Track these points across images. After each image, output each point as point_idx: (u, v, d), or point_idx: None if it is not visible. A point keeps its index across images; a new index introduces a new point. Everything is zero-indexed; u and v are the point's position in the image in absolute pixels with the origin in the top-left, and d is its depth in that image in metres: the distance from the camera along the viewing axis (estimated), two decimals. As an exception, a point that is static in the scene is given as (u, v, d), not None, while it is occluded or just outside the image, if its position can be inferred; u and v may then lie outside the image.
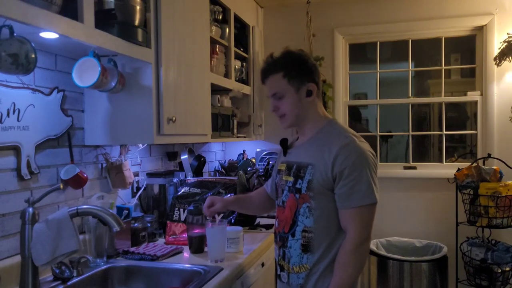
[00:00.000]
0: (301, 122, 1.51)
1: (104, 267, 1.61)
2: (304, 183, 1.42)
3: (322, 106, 1.55)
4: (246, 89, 2.87)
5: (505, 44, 2.74)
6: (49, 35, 1.27)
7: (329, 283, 1.38)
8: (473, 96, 3.05)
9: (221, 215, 1.95)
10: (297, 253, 1.44)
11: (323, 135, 1.46)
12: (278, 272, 1.54)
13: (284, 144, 1.60)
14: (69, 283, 1.43)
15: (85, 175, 1.69)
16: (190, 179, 2.24)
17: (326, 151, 1.39)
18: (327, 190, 1.39)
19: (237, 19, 2.79)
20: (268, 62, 1.49)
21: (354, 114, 3.39)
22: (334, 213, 1.40)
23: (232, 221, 2.03)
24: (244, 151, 3.29)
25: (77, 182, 1.66)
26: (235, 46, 2.71)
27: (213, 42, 2.36)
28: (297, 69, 1.46)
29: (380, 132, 3.31)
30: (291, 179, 1.47)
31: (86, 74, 1.50)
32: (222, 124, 2.45)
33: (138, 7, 1.56)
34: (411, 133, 3.24)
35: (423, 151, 3.82)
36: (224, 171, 3.05)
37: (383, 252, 2.89)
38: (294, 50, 1.50)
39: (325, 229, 1.40)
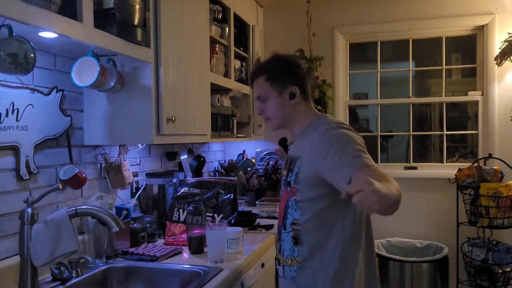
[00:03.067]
0: (288, 124, 1.52)
1: (103, 267, 1.60)
2: (293, 176, 1.44)
3: (312, 106, 1.56)
4: (246, 89, 2.86)
5: (506, 43, 2.73)
6: (48, 34, 1.26)
7: (325, 281, 1.38)
8: (474, 96, 3.04)
9: (221, 215, 1.95)
10: (289, 246, 1.46)
11: (310, 129, 1.47)
12: (277, 267, 1.56)
13: (284, 143, 1.62)
14: (68, 283, 1.43)
15: (84, 175, 1.68)
16: (190, 179, 2.24)
17: (310, 142, 1.41)
18: (313, 182, 1.37)
19: (237, 18, 2.79)
20: (255, 66, 1.55)
21: (351, 114, 3.39)
22: (320, 206, 1.39)
23: (232, 221, 2.02)
24: (244, 151, 3.29)
25: (76, 182, 1.65)
26: (235, 45, 2.70)
27: (212, 41, 2.36)
28: (280, 72, 1.48)
29: (380, 132, 3.30)
30: (285, 172, 1.51)
31: (85, 73, 1.50)
32: (222, 124, 2.45)
33: (137, 7, 1.56)
34: (411, 133, 3.23)
35: (424, 151, 3.81)
36: (223, 171, 3.05)
37: (383, 252, 2.88)
38: (281, 54, 1.54)
39: (313, 222, 1.40)
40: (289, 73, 1.49)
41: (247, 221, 2.27)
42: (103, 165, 1.90)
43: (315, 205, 1.39)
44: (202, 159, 2.53)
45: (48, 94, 1.58)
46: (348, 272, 1.39)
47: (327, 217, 1.39)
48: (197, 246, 1.78)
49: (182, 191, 2.12)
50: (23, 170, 1.47)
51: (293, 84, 1.47)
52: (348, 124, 1.48)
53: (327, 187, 1.34)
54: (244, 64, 2.90)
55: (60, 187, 1.50)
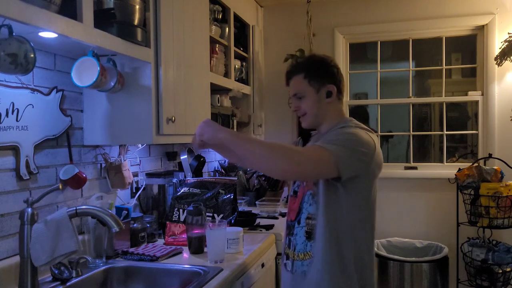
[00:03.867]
0: (320, 122, 1.55)
1: (103, 267, 1.60)
2: None
3: (343, 108, 1.60)
4: (246, 89, 2.86)
5: (506, 43, 2.74)
6: (48, 34, 1.26)
7: (335, 276, 1.39)
8: (474, 96, 3.04)
9: (221, 215, 1.95)
10: (301, 240, 1.47)
11: (332, 130, 1.49)
12: (284, 261, 1.56)
13: (307, 135, 1.66)
14: (68, 283, 1.42)
15: (84, 175, 1.68)
16: (190, 179, 2.24)
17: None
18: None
19: (237, 18, 2.79)
20: (292, 65, 1.58)
21: (362, 114, 3.41)
22: (336, 201, 1.40)
23: (232, 221, 2.02)
24: (244, 151, 3.28)
25: (76, 182, 1.65)
26: (235, 45, 2.70)
27: (212, 41, 2.36)
28: (318, 71, 1.52)
29: (380, 132, 3.31)
30: None
31: (85, 73, 1.50)
32: (222, 124, 2.45)
33: (137, 7, 1.56)
34: (411, 133, 3.23)
35: (424, 151, 3.81)
36: (223, 171, 3.05)
37: (383, 252, 2.88)
38: (318, 54, 1.61)
39: (328, 216, 1.41)
40: (326, 72, 1.52)
41: (247, 221, 2.27)
42: (103, 165, 1.89)
43: (331, 199, 1.41)
44: (202, 159, 2.53)
45: (48, 94, 1.58)
46: (356, 269, 1.42)
47: (340, 213, 1.41)
48: (197, 246, 1.78)
49: (182, 191, 2.12)
50: (23, 170, 1.47)
51: (330, 82, 1.51)
52: (371, 129, 1.49)
53: (340, 183, 1.37)
54: (244, 64, 2.90)
55: (60, 187, 1.50)
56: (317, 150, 1.33)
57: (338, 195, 1.40)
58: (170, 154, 2.48)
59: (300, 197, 1.50)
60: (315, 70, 1.51)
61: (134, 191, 2.12)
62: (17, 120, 1.44)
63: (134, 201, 2.10)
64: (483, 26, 2.95)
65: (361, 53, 3.55)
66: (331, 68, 1.53)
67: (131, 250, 1.73)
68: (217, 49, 2.43)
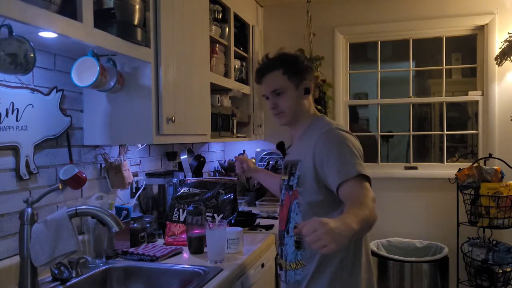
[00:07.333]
0: (296, 120, 1.52)
1: (103, 267, 1.60)
2: (295, 179, 1.45)
3: (313, 105, 1.58)
4: (246, 89, 2.86)
5: (506, 43, 2.73)
6: (48, 34, 1.26)
7: (328, 282, 1.38)
8: (474, 96, 3.04)
9: (221, 215, 1.95)
10: (291, 250, 1.46)
11: (310, 131, 1.48)
12: (278, 272, 1.56)
13: (281, 147, 1.62)
14: (68, 283, 1.43)
15: (84, 175, 1.68)
16: (190, 179, 2.24)
17: (309, 144, 1.42)
18: (314, 183, 1.38)
19: (237, 18, 2.79)
20: (266, 61, 1.53)
21: (352, 114, 3.40)
22: (322, 210, 1.38)
23: (232, 221, 2.02)
24: (244, 151, 3.29)
25: (76, 182, 1.65)
26: (235, 45, 2.70)
27: (212, 41, 2.35)
28: (296, 67, 1.50)
29: (380, 132, 3.30)
30: (286, 177, 1.51)
31: (85, 73, 1.50)
32: (222, 124, 2.45)
33: (137, 6, 1.56)
34: (412, 133, 3.23)
35: (424, 151, 3.81)
36: (223, 171, 3.05)
37: (383, 252, 2.88)
38: (288, 51, 1.57)
39: None
40: (304, 68, 1.51)
41: (247, 221, 2.27)
42: (103, 165, 1.89)
43: (317, 208, 1.40)
44: (202, 159, 2.53)
45: (48, 94, 1.58)
46: (350, 275, 1.40)
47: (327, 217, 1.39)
48: (197, 246, 1.78)
49: (182, 191, 2.12)
50: (23, 170, 1.47)
51: (308, 79, 1.50)
52: (345, 126, 1.48)
53: (329, 190, 1.36)
54: (244, 64, 2.90)
55: (60, 187, 1.50)
56: (366, 187, 1.26)
57: (324, 204, 1.38)
58: (170, 154, 2.48)
59: (287, 206, 1.49)
60: (294, 66, 1.49)
61: (134, 191, 2.13)
62: (17, 120, 1.44)
63: (134, 201, 2.10)
64: (483, 26, 2.95)
65: (361, 53, 3.55)
66: (306, 65, 1.52)
67: (131, 250, 1.73)
68: (217, 49, 2.43)
